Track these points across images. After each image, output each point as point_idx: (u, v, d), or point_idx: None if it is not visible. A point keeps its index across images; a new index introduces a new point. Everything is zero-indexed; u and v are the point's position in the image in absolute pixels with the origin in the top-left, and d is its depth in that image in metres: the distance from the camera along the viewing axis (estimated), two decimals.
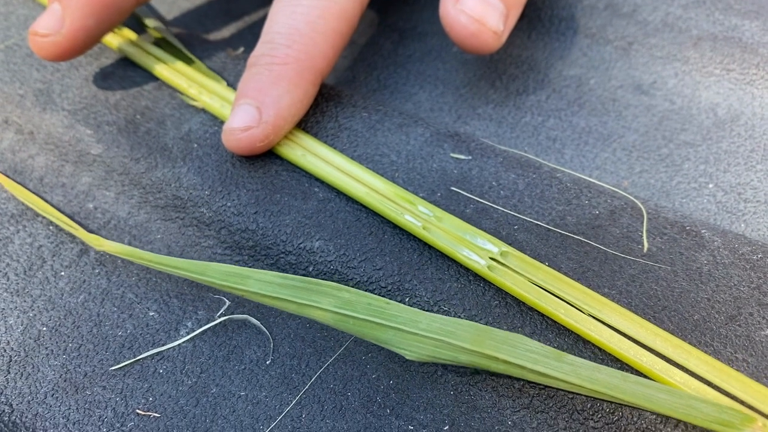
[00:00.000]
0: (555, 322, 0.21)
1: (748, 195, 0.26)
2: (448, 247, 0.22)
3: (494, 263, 0.22)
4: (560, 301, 0.21)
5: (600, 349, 0.20)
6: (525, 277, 0.21)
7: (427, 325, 0.19)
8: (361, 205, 0.24)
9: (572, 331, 0.21)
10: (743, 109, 0.28)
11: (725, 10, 0.31)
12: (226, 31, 0.34)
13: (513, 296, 0.21)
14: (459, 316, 0.21)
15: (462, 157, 0.25)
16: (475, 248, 0.22)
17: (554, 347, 0.20)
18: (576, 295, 0.21)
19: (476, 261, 0.22)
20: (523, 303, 0.21)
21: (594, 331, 0.20)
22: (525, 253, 0.22)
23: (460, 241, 0.22)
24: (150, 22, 0.32)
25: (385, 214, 0.23)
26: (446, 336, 0.19)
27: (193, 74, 0.29)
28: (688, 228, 0.23)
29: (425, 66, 0.32)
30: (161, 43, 0.31)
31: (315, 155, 0.25)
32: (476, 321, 0.21)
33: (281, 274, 0.21)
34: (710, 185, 0.26)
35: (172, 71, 0.29)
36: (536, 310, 0.21)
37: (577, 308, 0.21)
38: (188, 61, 0.30)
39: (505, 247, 0.22)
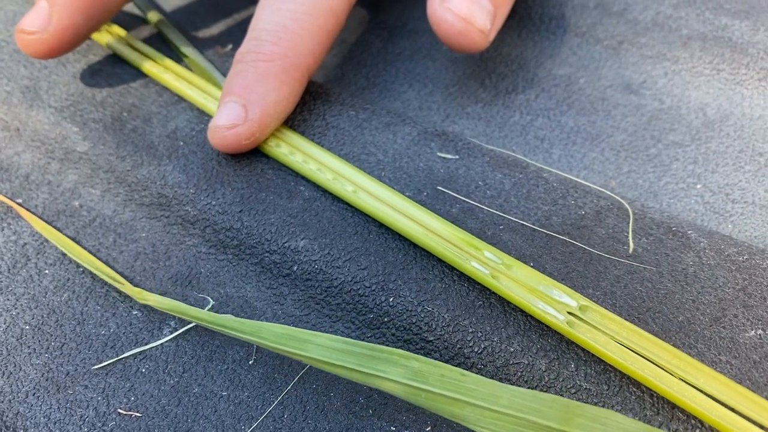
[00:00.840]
0: (539, 322, 0.21)
1: (735, 196, 0.26)
2: (521, 299, 0.20)
3: (573, 318, 0.20)
4: (647, 361, 0.19)
5: (693, 416, 0.19)
6: (607, 334, 0.19)
7: (509, 400, 0.18)
8: (347, 204, 0.24)
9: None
10: (732, 110, 0.28)
11: (715, 9, 0.31)
12: (215, 29, 0.34)
13: (497, 296, 0.21)
14: (443, 317, 0.21)
15: (449, 156, 0.25)
16: (552, 301, 0.20)
17: (542, 354, 0.20)
18: (662, 354, 0.19)
19: (554, 316, 0.20)
20: (507, 303, 0.21)
21: (689, 397, 0.18)
22: (510, 254, 0.22)
23: (534, 293, 0.20)
24: (152, 16, 0.32)
25: (447, 259, 0.22)
26: (530, 413, 0.18)
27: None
28: (674, 229, 0.23)
29: (415, 64, 0.32)
30: (150, 40, 0.31)
31: (361, 188, 0.24)
32: (460, 321, 0.21)
33: (344, 338, 0.19)
34: (698, 186, 0.26)
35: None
36: (520, 311, 0.21)
37: (665, 370, 0.19)
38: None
39: (584, 300, 0.20)
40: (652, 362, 0.19)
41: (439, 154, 0.25)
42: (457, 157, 0.25)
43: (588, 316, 0.20)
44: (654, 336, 0.19)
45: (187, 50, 0.30)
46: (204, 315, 0.21)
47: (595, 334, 0.19)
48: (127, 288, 0.22)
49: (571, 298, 0.20)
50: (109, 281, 0.23)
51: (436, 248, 0.22)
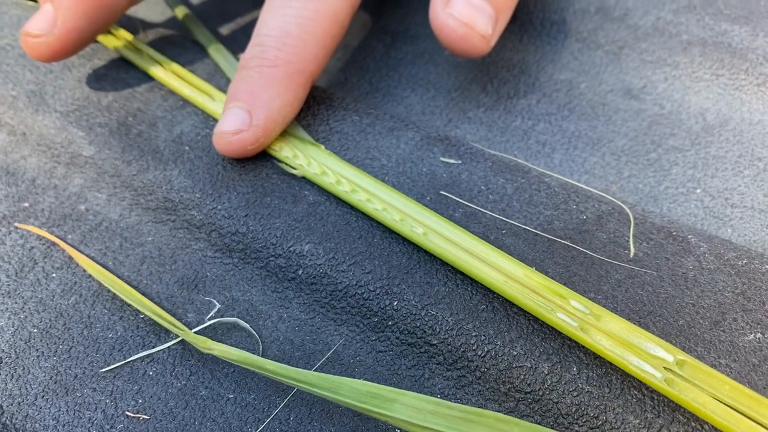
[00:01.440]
0: (541, 323, 0.21)
1: (735, 200, 0.26)
2: (614, 356, 0.19)
3: (671, 375, 0.18)
4: (751, 421, 0.18)
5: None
6: (708, 392, 0.18)
7: None
8: (351, 208, 0.24)
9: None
10: (732, 114, 0.29)
11: (715, 15, 0.32)
12: (220, 32, 0.34)
13: (501, 300, 0.22)
14: (446, 320, 0.21)
15: (451, 161, 0.26)
16: (647, 356, 0.19)
17: (545, 358, 0.20)
18: (766, 412, 0.18)
19: (651, 374, 0.19)
20: (510, 306, 0.21)
21: None
22: (512, 257, 0.22)
23: (628, 347, 0.19)
24: (179, 11, 0.33)
25: (531, 310, 0.20)
26: None
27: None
28: (674, 233, 0.23)
29: (417, 69, 0.32)
30: (155, 43, 0.31)
31: (432, 230, 0.23)
32: (463, 325, 0.21)
33: (435, 399, 0.18)
34: (698, 190, 0.26)
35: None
36: (523, 314, 0.21)
37: None
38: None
39: (681, 355, 0.19)
40: (756, 422, 0.18)
41: (442, 158, 0.26)
42: (459, 162, 0.26)
43: (686, 372, 0.19)
44: (758, 394, 0.18)
45: (215, 47, 0.30)
46: (269, 365, 0.20)
47: (695, 393, 0.18)
48: (189, 336, 0.21)
49: (667, 352, 0.19)
50: (171, 328, 0.22)
51: (517, 298, 0.20)
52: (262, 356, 0.22)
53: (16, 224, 0.23)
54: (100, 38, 0.31)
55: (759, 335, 0.20)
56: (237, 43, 0.33)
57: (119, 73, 0.30)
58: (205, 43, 0.31)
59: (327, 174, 0.25)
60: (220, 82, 0.29)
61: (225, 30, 0.34)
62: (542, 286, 0.21)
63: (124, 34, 0.31)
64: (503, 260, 0.21)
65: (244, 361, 0.20)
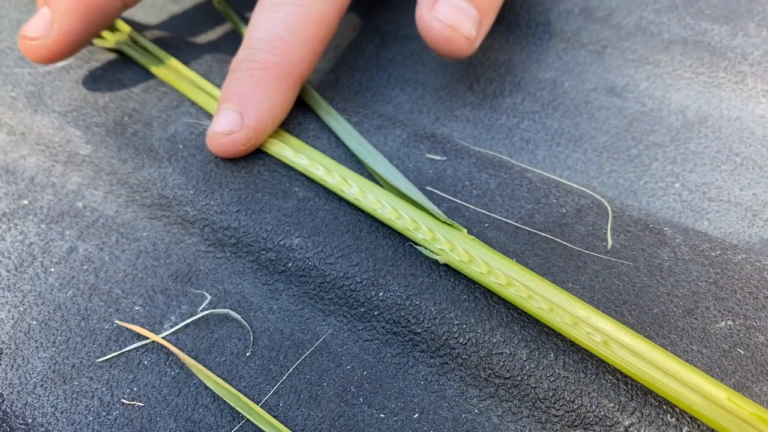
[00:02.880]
0: (521, 314, 0.22)
1: (712, 194, 0.27)
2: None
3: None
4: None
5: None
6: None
7: None
8: (340, 203, 0.25)
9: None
10: (711, 111, 0.29)
11: (696, 14, 0.32)
12: (212, 34, 0.35)
13: (482, 289, 0.22)
14: (430, 310, 0.22)
15: (437, 157, 0.26)
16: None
17: (524, 345, 0.21)
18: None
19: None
20: (491, 295, 0.22)
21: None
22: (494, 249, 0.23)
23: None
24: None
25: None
26: None
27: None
28: (651, 226, 0.24)
29: (406, 69, 0.33)
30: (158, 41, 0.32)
31: (612, 338, 0.20)
32: (446, 314, 0.22)
33: None
34: (677, 185, 0.27)
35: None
36: (503, 303, 0.22)
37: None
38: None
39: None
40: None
41: (428, 155, 0.26)
42: (444, 158, 0.26)
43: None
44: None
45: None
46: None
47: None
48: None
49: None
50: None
51: (720, 425, 0.18)
52: (252, 346, 0.23)
53: (116, 321, 0.24)
54: (101, 38, 0.32)
55: (730, 322, 0.21)
56: (231, 45, 0.34)
57: (115, 74, 0.31)
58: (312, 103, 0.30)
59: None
60: (213, 83, 0.30)
61: (218, 31, 0.35)
62: (750, 414, 0.18)
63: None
64: (705, 382, 0.19)
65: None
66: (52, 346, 0.23)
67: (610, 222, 0.24)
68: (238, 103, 0.25)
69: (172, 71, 0.30)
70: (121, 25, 0.32)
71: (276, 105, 0.26)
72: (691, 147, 0.28)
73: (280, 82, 0.26)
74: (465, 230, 0.23)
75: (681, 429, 0.19)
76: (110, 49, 0.32)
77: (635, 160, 0.28)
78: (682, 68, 0.31)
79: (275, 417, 0.21)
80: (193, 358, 0.22)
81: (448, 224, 0.23)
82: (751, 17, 0.32)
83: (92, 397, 0.22)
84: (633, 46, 0.32)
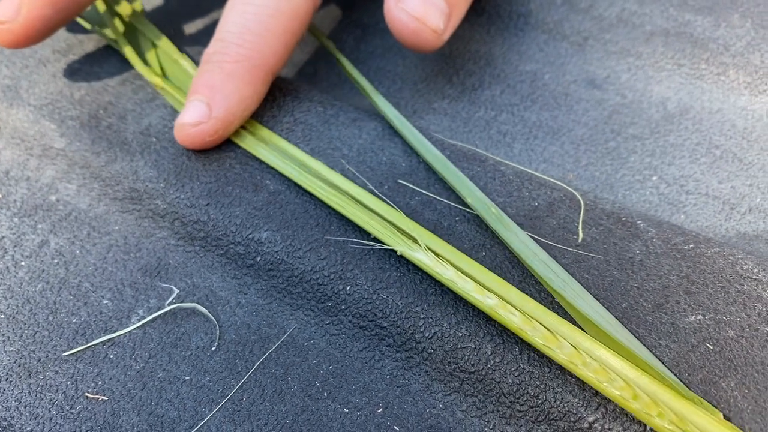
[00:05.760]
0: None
1: (690, 187, 0.26)
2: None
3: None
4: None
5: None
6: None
7: None
8: (311, 197, 0.25)
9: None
10: (692, 103, 0.29)
11: (680, 5, 0.32)
12: (193, 27, 0.35)
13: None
14: (396, 303, 0.22)
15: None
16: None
17: (489, 339, 0.21)
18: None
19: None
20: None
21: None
22: (464, 243, 0.23)
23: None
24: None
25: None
26: None
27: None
28: (624, 219, 0.23)
29: (386, 62, 0.33)
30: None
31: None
32: (412, 308, 0.22)
33: None
34: (654, 177, 0.27)
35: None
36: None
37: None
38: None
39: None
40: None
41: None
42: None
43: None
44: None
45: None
46: None
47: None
48: None
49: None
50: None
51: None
52: (219, 340, 0.23)
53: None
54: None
55: (700, 317, 0.21)
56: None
57: (93, 67, 0.31)
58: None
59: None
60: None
61: (199, 24, 0.35)
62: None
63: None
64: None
65: None
66: (19, 340, 0.23)
67: (581, 215, 0.23)
68: (206, 94, 0.25)
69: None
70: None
71: (245, 97, 0.26)
72: (671, 139, 0.28)
73: (250, 74, 0.26)
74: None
75: (645, 426, 0.19)
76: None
77: (613, 152, 0.28)
78: (664, 60, 0.30)
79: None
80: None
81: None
82: (735, 8, 0.31)
83: (56, 391, 0.22)
84: (614, 37, 0.31)
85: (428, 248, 0.22)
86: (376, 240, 0.23)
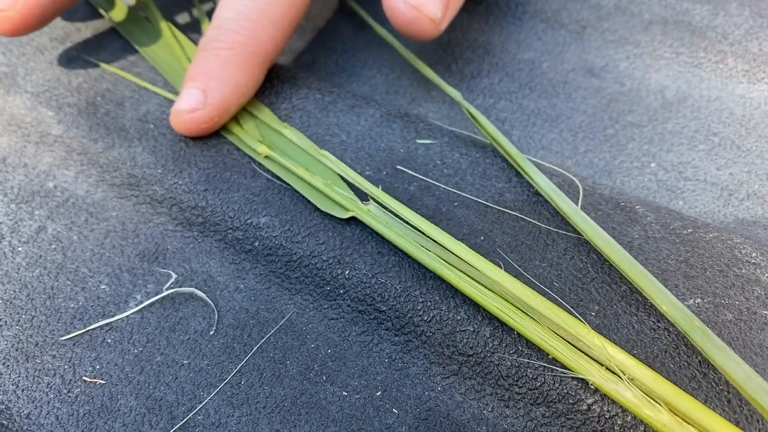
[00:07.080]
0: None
1: (688, 173, 0.26)
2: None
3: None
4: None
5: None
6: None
7: None
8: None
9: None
10: (690, 91, 0.29)
11: None
12: (187, 16, 0.35)
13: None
14: (395, 287, 0.22)
15: (428, 141, 0.26)
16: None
17: (487, 322, 0.21)
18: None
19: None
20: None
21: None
22: (462, 228, 0.23)
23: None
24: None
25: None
26: None
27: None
28: (622, 204, 0.23)
29: (384, 50, 0.33)
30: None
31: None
32: (411, 292, 0.22)
33: None
34: (652, 164, 0.27)
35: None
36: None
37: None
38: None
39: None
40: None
41: (419, 141, 0.26)
42: (435, 141, 0.26)
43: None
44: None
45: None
46: None
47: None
48: None
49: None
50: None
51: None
52: (217, 324, 0.22)
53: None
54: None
55: (698, 300, 0.21)
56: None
57: (90, 54, 0.31)
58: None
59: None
60: None
61: (196, 12, 0.35)
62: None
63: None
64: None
65: None
66: (17, 325, 0.23)
67: (580, 200, 0.23)
68: (202, 81, 0.25)
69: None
70: None
71: (241, 84, 0.25)
72: (669, 127, 0.28)
73: (246, 61, 0.26)
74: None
75: None
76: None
77: (611, 140, 0.28)
78: (662, 48, 0.30)
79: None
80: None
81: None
82: None
83: (54, 375, 0.22)
84: (613, 26, 0.31)
85: (632, 381, 0.18)
86: (526, 341, 0.20)
